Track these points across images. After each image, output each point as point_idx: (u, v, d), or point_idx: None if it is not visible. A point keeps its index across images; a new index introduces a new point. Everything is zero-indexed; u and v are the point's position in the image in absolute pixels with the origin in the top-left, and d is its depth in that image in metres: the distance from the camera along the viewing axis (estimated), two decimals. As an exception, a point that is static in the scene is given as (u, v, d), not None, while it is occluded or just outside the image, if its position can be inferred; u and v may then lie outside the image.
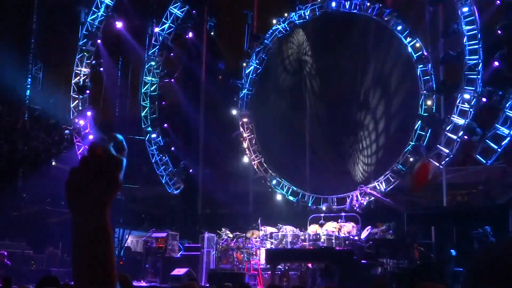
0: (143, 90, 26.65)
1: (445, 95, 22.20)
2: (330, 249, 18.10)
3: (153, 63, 26.46)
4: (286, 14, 25.72)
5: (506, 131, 19.30)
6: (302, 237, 19.54)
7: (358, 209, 21.71)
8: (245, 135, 25.93)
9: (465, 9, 20.39)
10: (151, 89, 26.64)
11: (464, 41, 20.35)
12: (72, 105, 25.60)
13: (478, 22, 20.20)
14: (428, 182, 21.74)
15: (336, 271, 16.23)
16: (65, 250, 23.06)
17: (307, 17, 25.48)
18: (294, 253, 18.59)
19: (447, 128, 20.80)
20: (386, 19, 23.22)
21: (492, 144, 19.56)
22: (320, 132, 25.66)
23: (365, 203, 22.02)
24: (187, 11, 26.20)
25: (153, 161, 26.16)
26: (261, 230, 20.38)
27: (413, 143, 22.18)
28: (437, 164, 21.20)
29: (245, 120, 26.04)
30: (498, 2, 20.36)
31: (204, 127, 27.53)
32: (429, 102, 22.21)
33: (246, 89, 26.23)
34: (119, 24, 25.78)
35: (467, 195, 24.51)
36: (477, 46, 20.18)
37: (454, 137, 20.64)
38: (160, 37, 26.40)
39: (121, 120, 27.11)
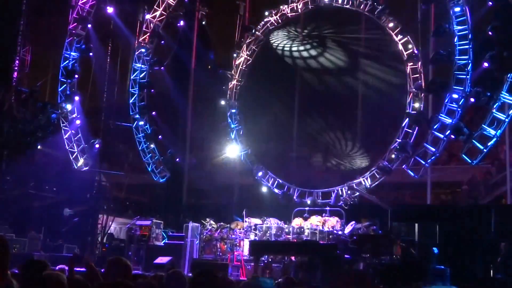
0: (132, 77, 26.47)
1: (433, 94, 22.29)
2: (313, 242, 18.16)
3: (143, 50, 26.25)
4: (278, 7, 25.67)
5: (492, 132, 19.42)
6: (286, 230, 19.59)
7: (343, 204, 21.81)
8: (232, 126, 25.90)
9: (457, 9, 20.43)
10: (140, 76, 26.46)
11: (455, 41, 20.40)
12: (60, 89, 25.39)
13: (470, 22, 20.26)
14: None
15: (318, 264, 16.28)
16: (47, 234, 22.93)
17: (299, 10, 25.45)
18: (277, 245, 18.63)
19: (434, 127, 20.89)
20: (377, 15, 23.26)
21: (478, 144, 19.67)
22: (307, 126, 25.70)
23: (355, 199, 22.19)
24: (180, -1, 26.04)
25: (139, 148, 26.03)
26: (246, 221, 20.39)
27: (400, 141, 22.27)
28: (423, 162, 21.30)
29: (233, 111, 26.01)
30: (490, 3, 20.42)
31: (192, 117, 27.45)
32: (417, 100, 22.28)
33: (235, 80, 26.17)
34: (110, 9, 25.56)
35: (451, 194, 24.70)
36: (467, 47, 20.25)
37: (441, 136, 20.73)
38: (151, 24, 26.21)
39: (109, 106, 26.91)
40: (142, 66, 26.48)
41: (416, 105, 22.19)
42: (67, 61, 25.52)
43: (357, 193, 22.47)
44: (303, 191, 23.99)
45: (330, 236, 19.08)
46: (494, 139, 19.50)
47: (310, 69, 26.11)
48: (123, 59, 27.40)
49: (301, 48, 26.26)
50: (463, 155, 20.18)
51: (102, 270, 6.06)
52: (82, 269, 6.96)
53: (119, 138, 26.67)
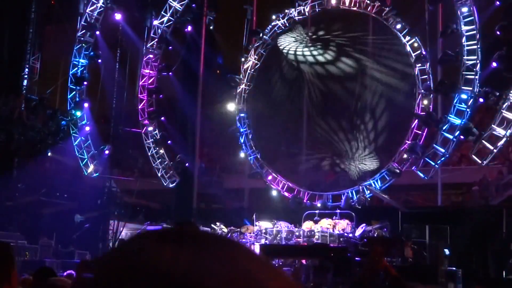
0: (140, 83, 26.58)
1: (442, 95, 22.23)
2: (324, 245, 18.13)
3: (151, 56, 26.39)
4: (285, 10, 25.71)
5: (502, 132, 19.33)
6: (297, 233, 19.55)
7: (356, 204, 21.83)
8: (242, 130, 25.91)
9: (465, 9, 20.39)
10: (149, 82, 26.56)
11: (463, 41, 20.36)
12: (69, 96, 25.54)
13: (477, 22, 20.20)
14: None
15: (329, 267, 16.26)
16: (59, 241, 23.03)
17: (306, 13, 25.45)
18: (288, 249, 18.60)
19: (444, 128, 20.82)
20: (385, 17, 23.23)
21: (488, 145, 19.59)
22: (316, 129, 25.68)
23: (368, 198, 22.21)
24: (187, 4, 26.13)
25: (149, 154, 26.11)
26: (256, 225, 20.38)
27: (410, 142, 22.21)
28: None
29: (242, 115, 26.03)
30: (498, 3, 20.36)
31: (201, 121, 27.50)
32: (426, 101, 22.23)
33: (244, 84, 26.20)
34: (118, 16, 25.70)
35: (461, 195, 24.58)
36: (475, 47, 20.19)
37: (451, 136, 20.66)
38: (159, 30, 26.32)
39: (118, 112, 27.03)
40: (151, 71, 26.59)
41: (425, 102, 22.14)
42: (76, 68, 25.68)
43: (371, 194, 22.48)
44: (313, 194, 23.97)
45: (341, 239, 19.01)
46: (504, 139, 19.41)
47: (317, 73, 26.07)
48: (132, 65, 27.52)
49: (307, 52, 26.20)
50: (473, 156, 20.10)
51: None
52: (91, 275, 6.98)
53: (129, 144, 26.78)
